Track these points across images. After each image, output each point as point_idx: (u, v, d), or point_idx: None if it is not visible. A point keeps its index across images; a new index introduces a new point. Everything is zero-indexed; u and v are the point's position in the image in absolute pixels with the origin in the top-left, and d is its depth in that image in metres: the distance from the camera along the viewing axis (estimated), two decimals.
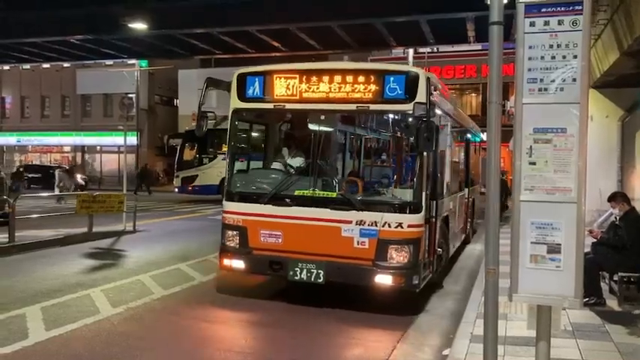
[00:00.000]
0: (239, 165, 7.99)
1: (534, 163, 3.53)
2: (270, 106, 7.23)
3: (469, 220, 12.28)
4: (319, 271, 6.73)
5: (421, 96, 6.46)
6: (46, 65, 37.48)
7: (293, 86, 7.00)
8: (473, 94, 37.64)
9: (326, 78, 6.88)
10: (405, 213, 6.63)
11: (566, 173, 3.48)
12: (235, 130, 7.64)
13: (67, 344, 5.58)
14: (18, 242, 11.08)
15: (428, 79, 6.60)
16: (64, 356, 5.30)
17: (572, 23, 3.47)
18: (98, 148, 44.22)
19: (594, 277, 6.62)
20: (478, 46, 25.70)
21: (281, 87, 7.07)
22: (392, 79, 6.65)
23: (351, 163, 9.24)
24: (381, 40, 19.06)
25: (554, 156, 3.50)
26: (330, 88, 6.87)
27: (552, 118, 3.53)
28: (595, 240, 7.06)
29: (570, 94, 3.49)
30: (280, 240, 6.98)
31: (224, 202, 7.49)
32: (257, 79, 7.23)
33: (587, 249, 6.67)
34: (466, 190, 11.47)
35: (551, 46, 3.51)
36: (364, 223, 6.64)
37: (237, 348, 5.63)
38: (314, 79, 6.92)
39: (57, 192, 13.18)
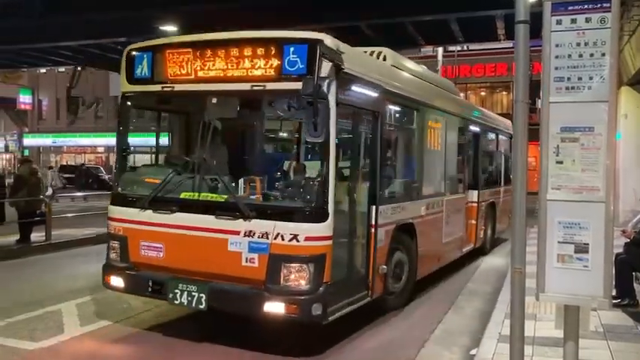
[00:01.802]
0: (129, 161, 6.74)
1: (561, 162, 3.50)
2: (157, 88, 5.90)
3: (483, 227, 10.86)
4: (201, 294, 5.34)
5: (311, 69, 5.05)
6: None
7: (185, 63, 5.66)
8: (504, 93, 37.20)
9: (221, 52, 5.49)
10: (302, 222, 5.14)
11: (594, 172, 3.44)
12: (126, 119, 6.42)
13: (100, 340, 5.77)
14: (54, 241, 11.46)
15: (317, 47, 5.06)
16: (98, 351, 5.48)
17: (601, 21, 3.43)
18: (132, 148, 44.94)
19: (627, 278, 6.49)
20: (509, 44, 25.36)
21: (171, 64, 5.74)
22: (292, 49, 5.18)
23: (247, 159, 7.34)
24: (410, 38, 19.02)
25: (582, 155, 3.47)
26: (225, 64, 5.48)
27: (580, 116, 3.49)
28: (628, 240, 6.92)
29: (598, 92, 3.45)
30: (162, 254, 5.66)
31: (109, 207, 6.17)
32: (146, 56, 5.95)
33: (620, 249, 6.56)
34: (471, 192, 10.19)
35: (578, 45, 3.48)
36: (254, 234, 5.21)
37: None
38: (209, 53, 5.55)
39: (50, 191, 13.61)
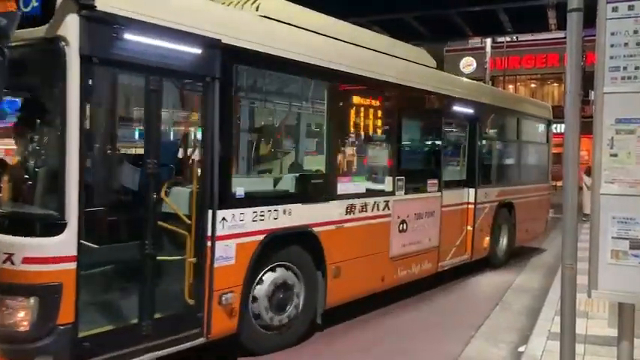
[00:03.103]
0: None
1: (616, 155, 3.37)
2: None
3: (488, 234, 8.80)
4: None
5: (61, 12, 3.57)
6: None
7: None
8: (555, 84, 36.14)
9: None
10: (22, 234, 3.64)
11: None
12: None
13: None
14: None
15: None
16: None
17: None
18: None
19: None
20: (560, 34, 24.60)
21: None
22: None
23: None
24: (458, 30, 18.72)
25: (639, 147, 3.33)
26: None
27: (637, 107, 3.35)
28: None
29: None
30: None
31: None
32: None
33: None
34: (460, 191, 8.29)
35: (635, 32, 3.33)
36: None
37: None
38: None
39: None
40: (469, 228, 8.30)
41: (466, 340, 5.60)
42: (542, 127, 11.22)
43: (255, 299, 4.98)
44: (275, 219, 5.03)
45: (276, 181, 5.77)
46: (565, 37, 3.68)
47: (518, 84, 36.73)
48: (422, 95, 7.30)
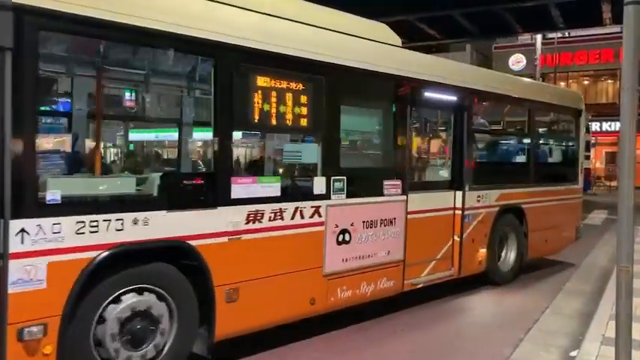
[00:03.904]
0: None
1: None
2: None
3: (483, 246, 7.31)
4: None
5: None
6: None
7: None
8: (609, 81, 35.00)
9: None
10: None
11: None
12: None
13: None
14: None
15: None
16: None
17: None
18: None
19: None
20: (615, 28, 23.78)
21: None
22: None
23: None
24: (507, 26, 18.35)
25: None
26: None
27: None
28: None
29: None
30: None
31: None
32: None
33: None
34: (442, 194, 6.86)
35: None
36: None
37: None
38: None
39: None
40: (456, 238, 6.93)
41: (515, 343, 5.48)
42: (569, 118, 9.61)
43: (102, 320, 3.90)
44: (119, 230, 3.89)
45: (123, 182, 4.51)
46: (621, 32, 3.56)
47: (570, 81, 35.69)
48: (374, 78, 5.91)
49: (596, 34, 31.09)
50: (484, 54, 35.21)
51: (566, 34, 32.77)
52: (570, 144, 9.69)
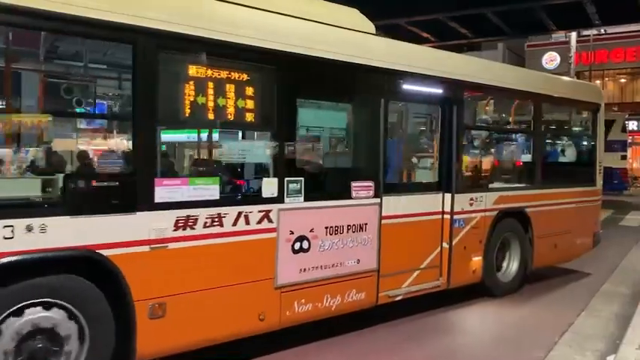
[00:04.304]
0: None
1: None
2: None
3: (477, 254, 6.69)
4: None
5: None
6: None
7: None
8: None
9: None
10: None
11: None
12: None
13: None
14: None
15: None
16: None
17: None
18: None
19: None
20: None
21: None
22: None
23: None
24: (540, 24, 18.03)
25: None
26: None
27: None
28: None
29: None
30: None
31: None
32: None
33: None
34: (427, 197, 6.29)
35: None
36: None
37: None
38: None
39: None
40: (445, 245, 6.38)
41: (549, 346, 5.39)
42: (585, 114, 8.88)
43: None
44: (7, 239, 3.46)
45: (13, 184, 4.22)
46: None
47: (606, 79, 34.89)
48: (340, 68, 5.32)
49: (634, 31, 30.29)
50: (516, 52, 34.69)
51: (602, 31, 32.04)
52: (586, 142, 8.99)
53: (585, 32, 29.64)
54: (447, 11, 16.43)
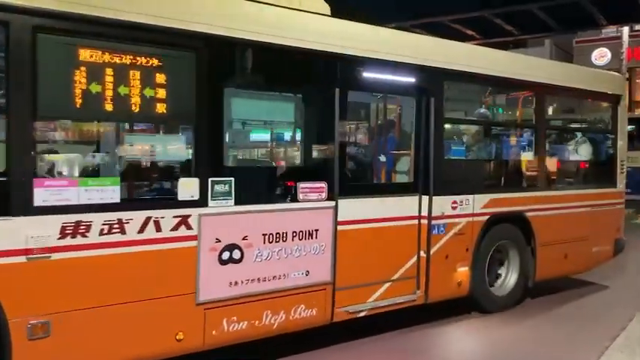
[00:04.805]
0: None
1: None
2: None
3: (463, 264, 6.19)
4: None
5: None
6: None
7: None
8: None
9: None
10: None
11: None
12: None
13: None
14: None
15: None
16: None
17: None
18: None
19: None
20: None
21: None
22: None
23: None
24: (589, 19, 17.43)
25: None
26: None
27: None
28: None
29: None
30: None
31: None
32: None
33: None
34: (400, 199, 5.73)
35: None
36: None
37: None
38: None
39: None
40: (422, 254, 5.80)
41: (601, 351, 5.23)
42: (603, 106, 8.13)
43: None
44: None
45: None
46: None
47: None
48: (283, 53, 4.77)
49: None
50: (564, 49, 33.74)
51: None
52: (604, 138, 8.19)
53: (638, 27, 28.59)
54: (492, 8, 16.10)
